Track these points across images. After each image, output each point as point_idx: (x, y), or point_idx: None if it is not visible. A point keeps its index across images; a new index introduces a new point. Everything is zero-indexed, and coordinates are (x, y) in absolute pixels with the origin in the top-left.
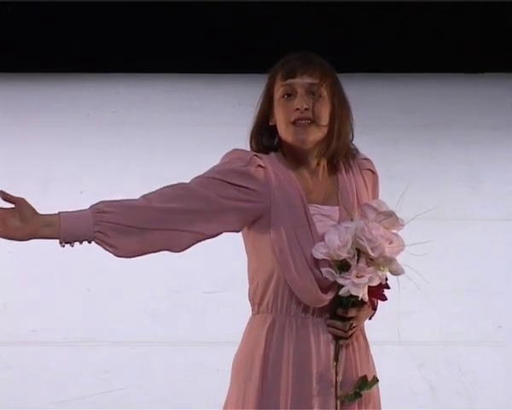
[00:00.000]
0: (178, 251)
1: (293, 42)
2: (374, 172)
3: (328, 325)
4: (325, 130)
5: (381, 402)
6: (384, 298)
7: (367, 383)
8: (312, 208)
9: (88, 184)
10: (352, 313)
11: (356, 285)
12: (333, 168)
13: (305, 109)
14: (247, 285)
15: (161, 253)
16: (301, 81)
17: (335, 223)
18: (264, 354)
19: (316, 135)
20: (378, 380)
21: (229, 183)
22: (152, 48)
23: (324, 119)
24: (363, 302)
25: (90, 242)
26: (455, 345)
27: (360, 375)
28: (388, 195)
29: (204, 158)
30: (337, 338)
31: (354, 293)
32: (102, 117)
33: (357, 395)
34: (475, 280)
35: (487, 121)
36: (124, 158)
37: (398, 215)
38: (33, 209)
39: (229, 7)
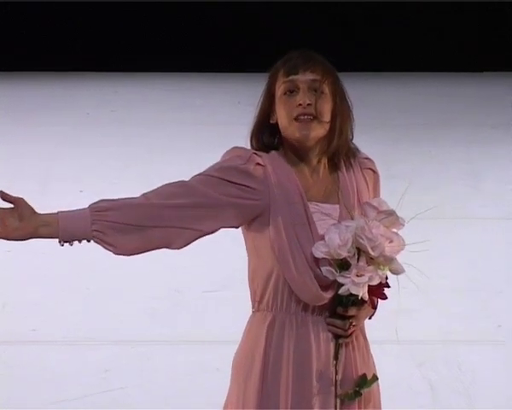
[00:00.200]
0: (177, 248)
1: (293, 42)
2: (375, 172)
3: (328, 324)
4: (327, 127)
5: (381, 402)
6: (384, 297)
7: (366, 381)
8: (312, 206)
9: (87, 184)
10: (351, 311)
11: (356, 284)
12: (333, 166)
13: (308, 105)
14: (247, 284)
15: (161, 252)
16: (303, 77)
17: (335, 221)
18: (265, 352)
19: (318, 131)
20: (378, 378)
21: (228, 181)
22: (152, 47)
23: (326, 115)
24: (363, 301)
25: (88, 240)
26: (455, 344)
27: (359, 374)
28: (388, 194)
29: (204, 157)
30: (337, 337)
31: (354, 292)
32: (102, 116)
33: (357, 393)
34: (475, 279)
35: (487, 120)
36: (123, 157)
37: (398, 214)
38: (32, 209)
39: (229, 7)
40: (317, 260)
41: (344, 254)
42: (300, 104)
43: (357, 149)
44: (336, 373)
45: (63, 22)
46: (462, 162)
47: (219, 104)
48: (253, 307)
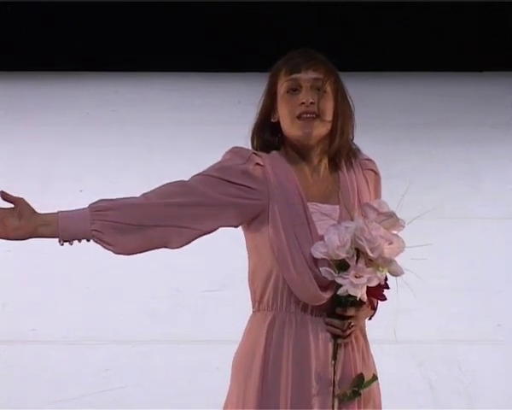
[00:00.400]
0: (177, 247)
1: (293, 42)
2: (376, 173)
3: (327, 324)
4: (329, 126)
5: (381, 401)
6: (383, 298)
7: (363, 381)
8: (312, 207)
9: (88, 183)
10: (350, 312)
11: (354, 285)
12: (334, 167)
13: (311, 103)
14: (247, 283)
15: (161, 251)
16: (306, 76)
17: (335, 222)
18: (265, 351)
19: (320, 130)
20: (377, 378)
21: (227, 181)
22: (152, 47)
23: (328, 114)
24: (361, 302)
25: (88, 240)
26: (454, 344)
27: (358, 373)
28: (388, 193)
29: (204, 156)
30: (335, 337)
31: (352, 293)
32: (102, 116)
33: (356, 393)
34: (475, 279)
35: (487, 120)
36: (124, 157)
37: (398, 215)
38: (32, 209)
39: (229, 7)
40: (316, 261)
41: (343, 255)
42: (303, 103)
43: (358, 150)
44: (335, 373)
45: (63, 22)
46: (461, 162)
47: (219, 104)
48: (253, 307)
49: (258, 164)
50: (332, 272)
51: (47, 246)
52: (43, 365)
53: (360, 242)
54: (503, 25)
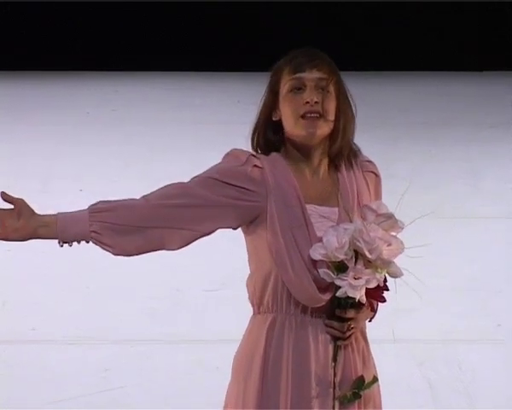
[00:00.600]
0: (175, 249)
1: (294, 42)
2: (377, 175)
3: (326, 326)
4: (331, 126)
5: (382, 402)
6: (383, 300)
7: (364, 383)
8: (310, 209)
9: (88, 183)
10: (350, 314)
11: (353, 287)
12: (334, 168)
13: (316, 103)
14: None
15: (161, 251)
16: (310, 75)
17: (334, 224)
18: (265, 352)
19: (323, 130)
20: (377, 380)
21: (225, 182)
22: (152, 46)
23: (332, 114)
24: (361, 304)
25: (87, 242)
26: (454, 343)
27: (359, 376)
28: (388, 193)
29: (205, 156)
30: (335, 339)
31: (351, 294)
32: (102, 115)
33: (357, 395)
34: (475, 278)
35: (487, 119)
36: (124, 156)
37: (398, 215)
38: (32, 210)
39: (229, 6)
40: (314, 262)
41: (341, 256)
42: (308, 102)
43: (359, 150)
44: (335, 375)
45: (63, 22)
46: (461, 161)
47: (219, 103)
48: (253, 309)
49: (256, 166)
50: (331, 273)
51: (47, 245)
52: (43, 364)
53: (358, 243)
54: (503, 25)
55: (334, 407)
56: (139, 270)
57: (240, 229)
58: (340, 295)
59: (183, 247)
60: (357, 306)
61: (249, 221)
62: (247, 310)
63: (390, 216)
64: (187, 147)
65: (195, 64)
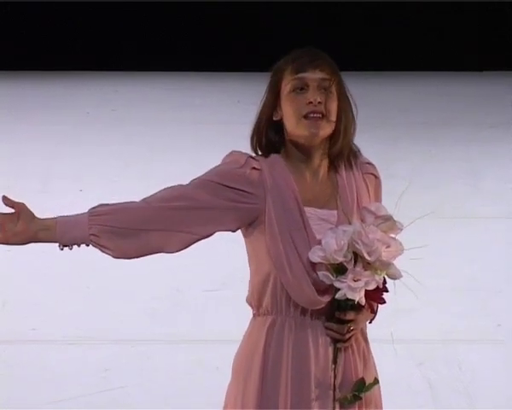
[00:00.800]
0: (174, 251)
1: (293, 42)
2: (376, 177)
3: (326, 328)
4: (333, 126)
5: (382, 402)
6: (383, 302)
7: (364, 385)
8: (309, 212)
9: (88, 183)
10: (349, 316)
11: (352, 289)
12: (333, 170)
13: (319, 103)
14: (247, 283)
15: (160, 253)
16: (313, 76)
17: (333, 226)
18: (264, 353)
19: (326, 130)
20: (378, 382)
21: (224, 185)
22: (152, 47)
23: (334, 115)
24: (360, 306)
25: (87, 245)
26: (454, 343)
27: (359, 377)
28: (388, 193)
29: (204, 156)
30: (335, 341)
31: (350, 296)
32: (102, 115)
33: (357, 397)
34: (475, 278)
35: (487, 119)
36: (124, 156)
37: (398, 216)
38: (32, 214)
39: (229, 6)
40: (313, 265)
41: (340, 258)
42: (311, 102)
43: (359, 151)
44: (335, 377)
45: (63, 22)
46: (461, 161)
47: (219, 103)
48: (253, 311)
49: (254, 168)
50: (330, 275)
51: (47, 246)
52: (43, 364)
53: (357, 245)
54: (503, 25)
55: (334, 409)
56: (139, 270)
57: (239, 230)
58: (340, 298)
59: (181, 250)
60: (357, 308)
61: (248, 223)
62: (247, 310)
63: (389, 218)
64: (187, 147)
65: (195, 64)
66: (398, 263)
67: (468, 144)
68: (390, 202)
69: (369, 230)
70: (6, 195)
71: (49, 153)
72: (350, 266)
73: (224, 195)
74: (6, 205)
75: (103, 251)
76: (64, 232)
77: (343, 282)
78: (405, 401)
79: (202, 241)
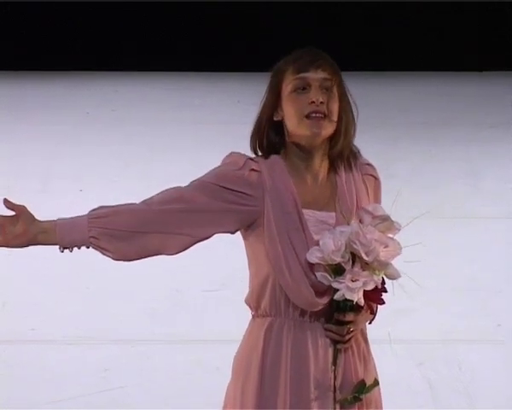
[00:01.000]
0: (173, 253)
1: (293, 42)
2: (376, 178)
3: (326, 330)
4: (334, 126)
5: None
6: (382, 302)
7: (365, 387)
8: (308, 214)
9: (88, 183)
10: (349, 317)
11: (350, 289)
12: (333, 171)
13: (321, 103)
14: (247, 283)
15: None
16: (315, 76)
17: (331, 228)
18: (263, 353)
19: (328, 130)
20: (378, 383)
21: (223, 187)
22: (152, 47)
23: (335, 115)
24: (359, 307)
25: (87, 247)
26: (454, 344)
27: (359, 378)
28: (388, 193)
29: (205, 156)
30: (335, 342)
31: (349, 297)
32: (102, 115)
33: (357, 399)
34: (475, 278)
35: (487, 119)
36: (124, 156)
37: (397, 216)
38: (32, 216)
39: (229, 7)
40: (311, 266)
41: (338, 259)
42: (313, 102)
43: (359, 152)
44: (335, 379)
45: (63, 22)
46: (461, 161)
47: (219, 103)
48: (252, 312)
49: (253, 170)
50: (328, 276)
51: (46, 246)
52: (43, 364)
53: (355, 246)
54: (503, 25)
55: None
56: (139, 270)
57: (238, 231)
58: (338, 298)
59: (181, 252)
60: (356, 309)
61: (247, 225)
62: (247, 311)
63: (386, 218)
64: (187, 147)
65: (195, 64)
66: (397, 263)
67: (468, 144)
68: (390, 203)
69: (367, 230)
70: (7, 197)
71: (49, 153)
72: (348, 267)
73: (223, 197)
74: (7, 208)
75: (103, 253)
76: (64, 235)
77: (341, 282)
78: (405, 401)
79: (202, 242)
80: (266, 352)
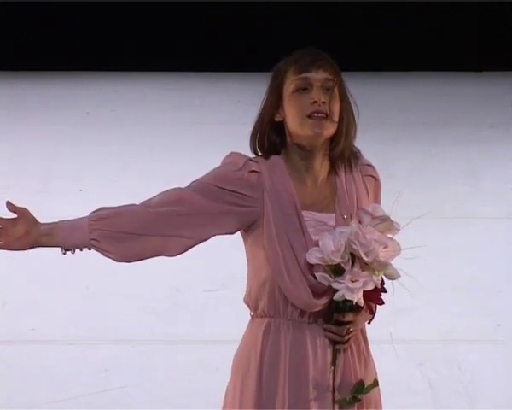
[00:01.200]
0: (174, 255)
1: (294, 42)
2: (376, 179)
3: (325, 330)
4: (336, 127)
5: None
6: (381, 302)
7: (363, 387)
8: (307, 216)
9: (88, 182)
10: (348, 317)
11: (350, 290)
12: (333, 172)
13: (323, 103)
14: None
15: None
16: (317, 76)
17: (331, 229)
18: (261, 353)
19: (329, 130)
20: (378, 383)
21: (223, 188)
22: (152, 47)
23: (337, 115)
24: (359, 307)
25: (89, 249)
26: (454, 343)
27: (359, 379)
28: (388, 193)
29: (204, 156)
30: (334, 343)
31: (348, 297)
32: (102, 115)
33: (356, 399)
34: (475, 278)
35: (487, 119)
36: (124, 156)
37: (398, 216)
38: (34, 219)
39: (229, 7)
40: (310, 268)
41: (337, 259)
42: (315, 102)
43: (359, 153)
44: (334, 379)
45: (63, 22)
46: (461, 161)
47: (219, 103)
48: (251, 312)
49: (253, 170)
50: (327, 277)
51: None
52: (43, 364)
53: (354, 246)
54: (503, 25)
55: None
56: (139, 270)
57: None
58: (338, 299)
59: (181, 253)
60: (356, 309)
61: (246, 226)
62: (247, 311)
63: (385, 218)
64: (187, 147)
65: (195, 64)
66: (397, 263)
67: (468, 144)
68: (390, 203)
69: (367, 230)
70: (6, 197)
71: (49, 153)
72: (347, 267)
73: (223, 198)
74: (9, 210)
75: (105, 255)
76: (65, 237)
77: (341, 283)
78: (405, 402)
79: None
80: (265, 352)
